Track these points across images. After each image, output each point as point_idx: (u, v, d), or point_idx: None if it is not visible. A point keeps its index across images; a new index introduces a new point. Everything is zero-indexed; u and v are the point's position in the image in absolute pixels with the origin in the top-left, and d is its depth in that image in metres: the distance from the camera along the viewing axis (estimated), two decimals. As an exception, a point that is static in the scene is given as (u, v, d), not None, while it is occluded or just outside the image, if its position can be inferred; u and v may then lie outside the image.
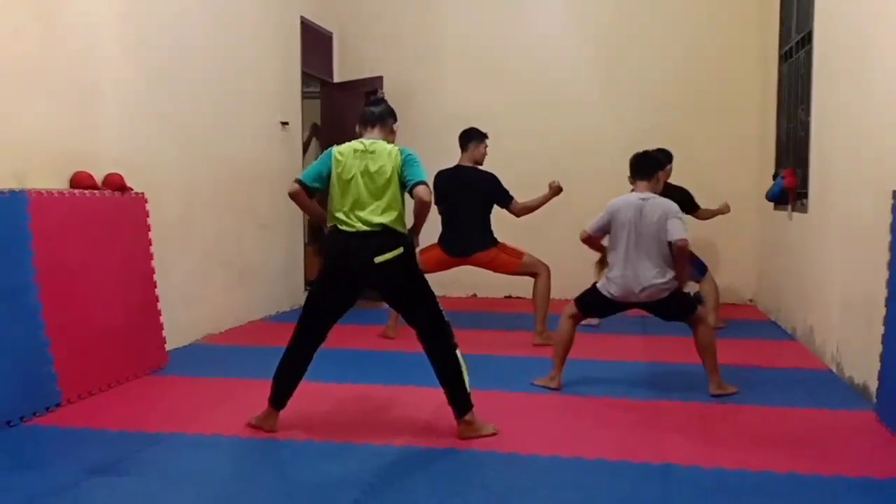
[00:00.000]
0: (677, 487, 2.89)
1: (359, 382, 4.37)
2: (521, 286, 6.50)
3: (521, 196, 5.48)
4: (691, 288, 5.14)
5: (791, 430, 3.58)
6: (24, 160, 3.93)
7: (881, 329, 3.58)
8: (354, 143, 3.47)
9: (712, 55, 7.30)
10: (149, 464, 3.15)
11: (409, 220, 3.47)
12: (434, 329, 3.44)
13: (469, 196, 5.41)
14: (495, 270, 5.56)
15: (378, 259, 3.34)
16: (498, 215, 5.52)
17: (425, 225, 3.49)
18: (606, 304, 4.20)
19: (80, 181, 4.24)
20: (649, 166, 4.23)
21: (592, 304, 4.24)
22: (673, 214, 4.06)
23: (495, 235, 5.49)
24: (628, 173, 4.27)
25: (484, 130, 5.53)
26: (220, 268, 5.86)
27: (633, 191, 4.21)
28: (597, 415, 3.80)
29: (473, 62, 7.72)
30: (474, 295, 7.70)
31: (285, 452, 3.31)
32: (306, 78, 7.37)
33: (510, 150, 6.87)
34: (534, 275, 5.45)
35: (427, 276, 3.60)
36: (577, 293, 4.36)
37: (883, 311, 3.55)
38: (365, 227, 3.36)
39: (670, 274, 4.05)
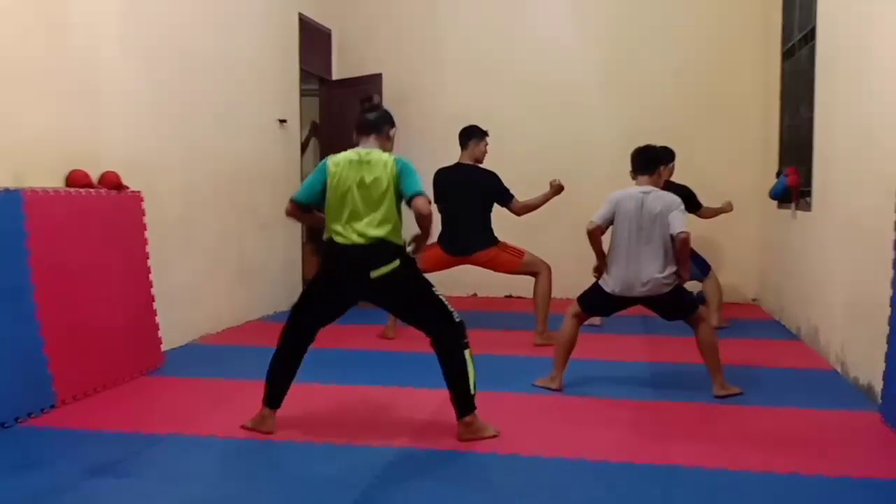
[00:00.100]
0: (680, 488, 2.86)
1: (359, 383, 4.34)
2: (522, 286, 6.47)
3: (521, 195, 5.44)
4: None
5: (795, 430, 3.55)
6: (24, 160, 3.91)
7: (886, 329, 3.54)
8: (350, 153, 3.43)
9: (714, 54, 7.27)
10: (146, 465, 3.12)
11: (409, 225, 3.42)
12: (440, 331, 3.39)
13: (469, 194, 5.38)
14: (496, 270, 5.53)
15: (374, 274, 3.31)
16: (498, 214, 5.49)
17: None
18: (609, 302, 4.16)
19: (75, 180, 4.21)
20: (651, 161, 4.19)
21: (595, 301, 4.20)
22: (675, 207, 4.03)
23: (496, 234, 5.46)
24: (630, 168, 4.23)
25: (484, 129, 5.50)
26: (219, 267, 5.83)
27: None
28: (598, 415, 3.77)
29: (474, 60, 7.68)
30: (475, 294, 7.67)
31: (284, 453, 3.28)
32: (305, 75, 7.34)
33: (511, 148, 6.84)
34: (534, 274, 5.42)
35: (427, 275, 3.57)
36: (577, 293, 4.32)
37: (888, 310, 3.51)
38: (361, 240, 3.32)
39: (671, 269, 4.02)
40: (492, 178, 5.41)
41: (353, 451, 3.23)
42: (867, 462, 3.13)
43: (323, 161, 3.49)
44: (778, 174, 6.10)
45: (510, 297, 7.57)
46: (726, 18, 7.25)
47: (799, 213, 5.68)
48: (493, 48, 7.63)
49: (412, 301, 3.45)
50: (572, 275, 5.73)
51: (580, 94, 7.50)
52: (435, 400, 3.78)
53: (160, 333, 4.73)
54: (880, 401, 3.69)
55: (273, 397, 3.47)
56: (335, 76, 7.90)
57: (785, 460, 3.11)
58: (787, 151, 6.29)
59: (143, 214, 4.63)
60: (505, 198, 5.40)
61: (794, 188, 5.66)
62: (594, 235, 4.10)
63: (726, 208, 6.20)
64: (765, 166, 6.95)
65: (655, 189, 4.11)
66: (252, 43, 6.29)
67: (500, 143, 6.04)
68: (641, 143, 4.29)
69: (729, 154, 7.27)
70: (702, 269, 5.85)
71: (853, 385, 4.25)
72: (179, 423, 3.59)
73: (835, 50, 4.88)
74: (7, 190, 3.64)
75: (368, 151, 3.41)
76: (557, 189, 5.36)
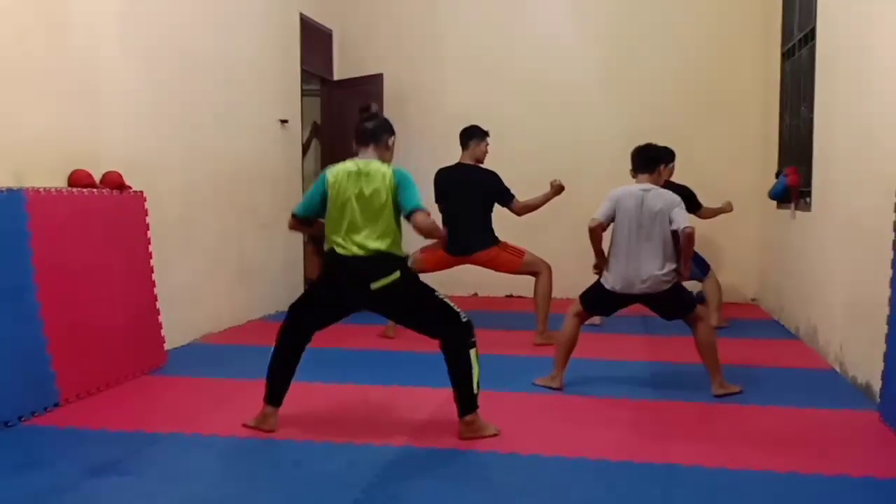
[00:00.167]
0: (680, 488, 2.87)
1: (359, 382, 4.35)
2: (523, 285, 6.48)
3: (521, 194, 5.45)
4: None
5: (794, 429, 3.56)
6: (24, 160, 3.91)
7: (885, 328, 3.55)
8: (348, 164, 3.43)
9: (714, 54, 7.27)
10: (148, 463, 3.13)
11: (409, 230, 3.42)
12: (446, 332, 3.40)
13: (470, 194, 5.38)
14: (496, 269, 5.53)
15: (374, 286, 3.33)
16: (499, 214, 5.49)
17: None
18: (610, 300, 4.18)
19: (78, 179, 4.22)
20: (651, 159, 4.20)
21: (597, 299, 4.22)
22: (676, 205, 4.04)
23: (496, 234, 5.47)
24: (630, 167, 4.24)
25: (485, 129, 5.51)
26: (220, 267, 5.84)
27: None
28: (598, 415, 3.78)
29: (474, 58, 7.69)
30: (475, 294, 7.67)
31: (285, 452, 3.28)
32: (306, 76, 7.35)
33: (511, 146, 6.84)
34: (535, 274, 5.42)
35: (427, 275, 3.58)
36: (578, 293, 4.33)
37: (886, 310, 3.52)
38: (361, 252, 3.33)
39: (671, 266, 4.03)
40: (492, 178, 5.42)
41: (354, 450, 3.24)
42: (866, 461, 3.14)
43: (322, 173, 3.50)
44: (778, 174, 6.10)
45: (511, 296, 7.58)
46: (726, 17, 7.25)
47: (798, 212, 5.69)
48: (493, 46, 7.64)
49: (413, 308, 3.46)
50: (573, 275, 5.74)
51: (580, 93, 7.50)
52: (435, 399, 3.79)
53: (163, 333, 4.74)
54: (879, 400, 3.70)
55: (274, 395, 3.49)
56: (336, 76, 7.90)
57: (784, 459, 3.12)
58: (786, 151, 6.30)
59: (146, 214, 4.64)
60: (505, 198, 5.41)
61: (793, 188, 5.66)
62: (595, 233, 4.11)
63: (726, 208, 6.21)
64: (764, 166, 6.96)
65: (655, 187, 4.12)
66: (252, 43, 6.29)
67: (501, 141, 6.05)
68: (641, 142, 4.30)
69: (729, 153, 7.27)
70: (701, 268, 5.85)
71: (852, 384, 4.26)
72: (181, 422, 3.60)
73: (835, 50, 4.89)
74: (10, 190, 3.65)
75: (367, 162, 3.42)
76: (558, 189, 5.37)
